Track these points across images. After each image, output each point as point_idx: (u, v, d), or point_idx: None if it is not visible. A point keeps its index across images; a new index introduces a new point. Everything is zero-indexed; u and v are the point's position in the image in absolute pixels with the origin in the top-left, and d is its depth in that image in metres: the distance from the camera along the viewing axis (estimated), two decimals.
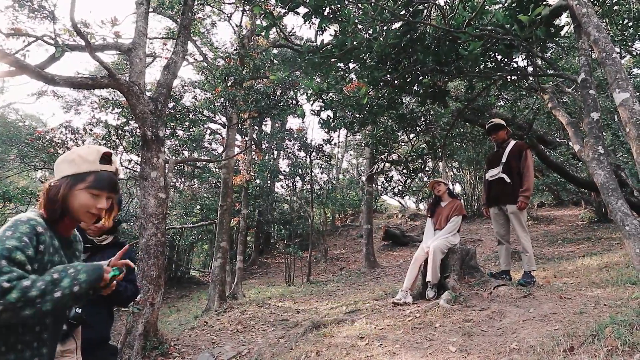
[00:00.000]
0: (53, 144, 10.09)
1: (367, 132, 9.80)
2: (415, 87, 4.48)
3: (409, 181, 6.34)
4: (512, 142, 4.54)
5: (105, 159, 1.41)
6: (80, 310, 1.79)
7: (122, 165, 14.91)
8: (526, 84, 5.10)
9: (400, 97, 5.22)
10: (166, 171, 6.49)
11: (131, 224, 13.70)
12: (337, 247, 16.87)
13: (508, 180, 4.42)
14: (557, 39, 3.41)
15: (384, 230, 14.53)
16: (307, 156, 12.40)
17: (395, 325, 3.92)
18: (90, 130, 10.37)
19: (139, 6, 6.41)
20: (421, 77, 4.20)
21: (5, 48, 7.28)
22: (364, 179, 13.81)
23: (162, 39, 11.69)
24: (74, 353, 1.69)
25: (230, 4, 12.30)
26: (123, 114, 10.15)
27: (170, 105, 9.40)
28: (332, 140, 5.13)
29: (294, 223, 16.09)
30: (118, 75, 6.07)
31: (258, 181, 15.96)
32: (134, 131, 9.47)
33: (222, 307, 8.48)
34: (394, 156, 10.34)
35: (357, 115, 5.53)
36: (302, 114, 4.49)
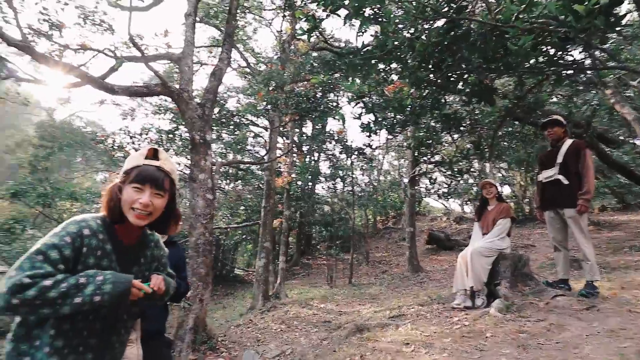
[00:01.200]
0: (113, 147, 10.82)
1: (408, 133, 9.62)
2: (459, 86, 4.33)
3: (453, 183, 6.12)
4: (569, 141, 4.24)
5: (151, 155, 1.41)
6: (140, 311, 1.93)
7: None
8: (584, 79, 4.77)
9: (444, 97, 5.07)
10: (213, 173, 6.75)
11: (180, 223, 14.33)
12: (379, 250, 16.66)
13: (566, 181, 4.12)
14: (618, 29, 3.15)
15: (428, 233, 14.15)
16: (348, 158, 12.36)
17: (442, 333, 3.80)
18: (146, 134, 11.00)
19: (187, 17, 6.72)
20: (466, 75, 4.05)
21: (73, 62, 7.92)
22: (406, 180, 13.56)
23: (208, 47, 12.18)
24: (134, 343, 1.80)
25: (271, 10, 12.58)
26: (173, 119, 10.70)
27: (216, 110, 9.77)
28: (373, 144, 5.08)
29: (335, 225, 16.09)
30: (169, 83, 6.41)
31: (299, 183, 16.15)
32: (183, 135, 9.93)
33: (265, 306, 8.67)
34: (437, 157, 10.06)
35: (399, 117, 5.45)
36: (342, 118, 4.49)
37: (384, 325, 4.68)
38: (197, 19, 8.43)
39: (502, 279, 4.17)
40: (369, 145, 5.07)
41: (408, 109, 4.65)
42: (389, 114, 5.64)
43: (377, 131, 4.82)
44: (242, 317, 8.60)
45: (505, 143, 8.08)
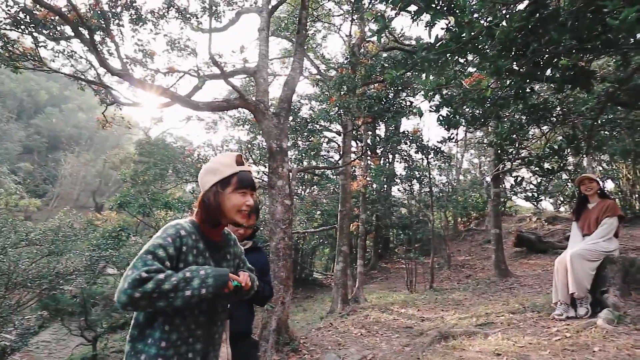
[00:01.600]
0: (199, 160, 11.81)
1: (489, 128, 8.97)
2: (548, 72, 3.91)
3: (544, 182, 5.51)
4: None
5: (239, 161, 1.54)
6: (229, 306, 2.07)
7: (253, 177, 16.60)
8: None
9: (530, 86, 4.62)
10: (290, 179, 6.99)
11: (261, 229, 15.06)
12: (462, 253, 15.75)
13: None
14: None
15: (516, 235, 13.00)
16: (424, 158, 11.93)
17: (539, 345, 3.46)
18: (227, 145, 11.82)
19: (260, 32, 7.09)
20: (556, 60, 3.64)
21: (163, 85, 8.84)
22: (488, 179, 12.65)
23: (280, 59, 12.70)
24: (224, 343, 1.93)
25: (339, 15, 12.72)
26: (251, 130, 11.33)
27: (290, 118, 10.12)
28: (454, 137, 4.76)
29: (413, 227, 15.61)
30: (246, 96, 6.81)
31: (375, 186, 16.00)
32: (261, 144, 10.44)
33: (345, 309, 8.70)
34: (524, 152, 9.22)
35: (479, 111, 5.10)
36: (419, 112, 4.32)
37: (471, 334, 4.40)
38: (270, 32, 8.85)
39: (610, 286, 3.66)
40: (449, 139, 4.78)
41: (488, 101, 4.33)
42: (467, 108, 5.33)
43: (457, 125, 4.55)
44: (322, 320, 8.73)
45: (606, 132, 7.11)
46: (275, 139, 6.57)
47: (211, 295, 1.33)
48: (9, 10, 6.50)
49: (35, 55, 7.23)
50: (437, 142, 6.54)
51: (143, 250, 1.33)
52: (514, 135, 5.91)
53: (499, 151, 8.01)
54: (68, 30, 6.76)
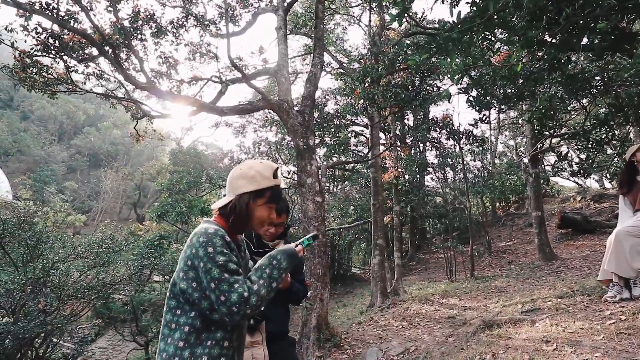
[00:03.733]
0: (234, 163, 12.03)
1: (524, 106, 8.55)
2: (585, 40, 3.65)
3: (591, 156, 5.14)
4: None
5: (276, 174, 1.54)
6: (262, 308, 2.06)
7: (283, 176, 16.81)
8: None
9: (566, 56, 4.34)
10: (320, 176, 6.98)
11: (296, 227, 15.18)
12: (502, 239, 15.19)
13: None
14: None
15: (560, 216, 12.35)
16: (456, 144, 11.56)
17: (592, 329, 3.25)
18: (258, 147, 11.98)
19: (278, 31, 7.10)
20: (593, 24, 3.39)
21: (189, 94, 9.07)
22: (526, 160, 12.09)
23: (301, 56, 12.69)
24: (260, 344, 1.94)
25: (357, 5, 12.53)
26: (279, 130, 11.43)
27: (316, 115, 10.10)
28: (486, 119, 4.54)
29: (449, 216, 15.21)
30: (269, 97, 6.85)
31: (407, 176, 15.71)
32: (290, 144, 10.49)
33: (384, 303, 8.60)
34: (564, 129, 8.72)
35: (511, 88, 4.86)
36: (447, 95, 4.14)
37: (517, 321, 4.21)
38: (288, 30, 8.85)
39: None
40: (481, 120, 4.58)
41: (521, 77, 4.10)
42: (499, 86, 5.08)
43: (489, 105, 4.34)
44: (362, 315, 8.67)
45: None
46: (301, 137, 6.58)
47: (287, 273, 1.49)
48: (38, 37, 6.84)
49: (68, 78, 7.60)
50: (469, 124, 6.29)
51: (214, 273, 1.33)
52: (552, 111, 5.59)
53: (538, 128, 7.62)
54: (95, 51, 7.04)
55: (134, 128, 9.25)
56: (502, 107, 5.08)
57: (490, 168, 16.90)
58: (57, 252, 5.66)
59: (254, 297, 1.32)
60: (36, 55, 7.25)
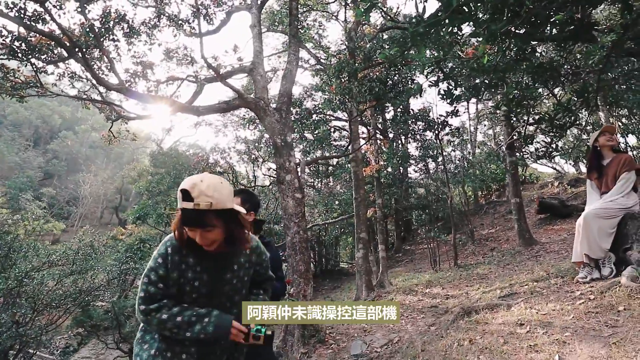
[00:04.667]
0: (209, 165, 11.94)
1: (498, 96, 8.72)
2: (547, 30, 3.75)
3: (554, 140, 5.31)
4: None
5: (185, 195, 1.40)
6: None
7: (264, 174, 16.73)
8: None
9: (531, 46, 4.44)
10: (299, 173, 6.98)
11: (282, 225, 15.18)
12: (485, 227, 15.51)
13: None
14: None
15: (538, 202, 12.70)
16: (436, 135, 11.72)
17: (562, 310, 3.37)
18: (234, 147, 11.90)
19: (252, 29, 7.04)
20: (553, 16, 3.48)
21: (165, 94, 8.93)
22: (504, 148, 12.35)
23: (279, 53, 12.62)
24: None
25: (334, 2, 12.51)
26: (258, 128, 11.37)
27: (294, 111, 10.07)
28: (457, 111, 4.63)
29: (432, 206, 15.44)
30: (245, 95, 6.80)
31: (389, 169, 15.85)
32: (268, 141, 10.45)
33: (370, 296, 8.70)
34: (537, 117, 8.93)
35: (481, 80, 4.95)
36: (418, 89, 4.19)
37: (494, 306, 4.32)
38: (264, 28, 8.79)
39: (633, 243, 3.52)
40: (453, 113, 4.66)
41: (491, 68, 4.18)
42: (471, 78, 5.17)
43: (460, 98, 4.41)
44: None
45: (622, 86, 6.80)
46: (279, 134, 6.56)
47: (210, 339, 1.44)
48: (3, 40, 6.61)
49: (37, 81, 7.39)
50: (440, 115, 6.39)
51: (145, 271, 1.48)
52: (523, 100, 5.72)
53: (510, 116, 7.78)
54: (64, 52, 6.86)
55: (109, 130, 9.07)
56: (473, 98, 5.18)
57: (470, 158, 17.19)
58: (30, 260, 5.52)
59: (155, 322, 1.40)
60: (2, 59, 7.01)
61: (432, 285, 8.55)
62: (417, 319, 6.14)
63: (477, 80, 4.77)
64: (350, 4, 10.68)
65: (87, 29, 6.20)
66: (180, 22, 7.98)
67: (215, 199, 1.41)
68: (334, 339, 5.93)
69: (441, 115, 6.39)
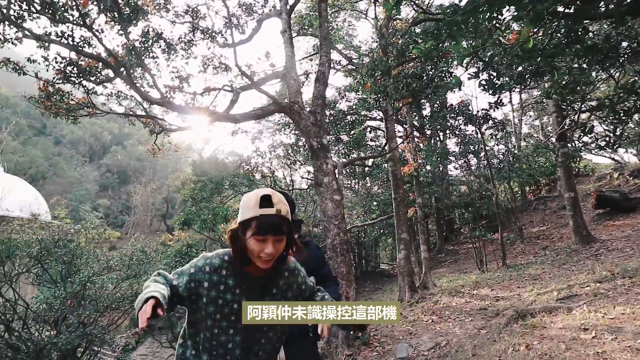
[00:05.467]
0: (250, 169, 12.17)
1: (546, 83, 8.20)
2: (601, 5, 3.44)
3: (619, 128, 4.84)
4: None
5: (264, 202, 1.38)
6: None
7: (302, 177, 16.81)
8: None
9: (583, 26, 4.10)
10: (337, 175, 6.91)
11: (321, 228, 15.18)
12: (534, 224, 14.64)
13: None
14: None
15: (595, 195, 11.77)
16: (477, 129, 11.22)
17: (634, 314, 3.06)
18: (274, 150, 12.03)
19: (283, 34, 7.09)
20: None
21: (203, 104, 9.21)
22: (553, 139, 11.60)
23: (311, 56, 12.66)
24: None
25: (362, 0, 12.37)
26: (294, 132, 11.46)
27: (329, 114, 10.03)
28: (501, 101, 4.31)
29: (476, 204, 14.78)
30: (279, 100, 6.84)
31: (428, 167, 15.40)
32: (305, 145, 10.47)
33: (413, 297, 8.44)
34: (592, 102, 8.29)
35: (526, 67, 4.64)
36: (457, 82, 3.98)
37: (552, 309, 4.02)
38: (294, 33, 8.84)
39: None
40: (496, 104, 4.37)
41: (535, 53, 3.89)
42: (512, 67, 4.86)
43: (503, 87, 4.13)
44: None
45: None
46: (314, 136, 6.53)
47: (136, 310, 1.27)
48: (58, 65, 7.12)
49: (89, 102, 7.88)
50: (483, 109, 6.05)
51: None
52: (574, 84, 5.29)
53: (562, 104, 7.26)
54: (111, 73, 7.25)
55: (154, 143, 9.47)
56: (518, 87, 4.85)
57: (515, 151, 16.32)
58: (92, 266, 5.87)
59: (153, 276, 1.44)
60: (58, 83, 7.54)
61: (479, 287, 8.16)
62: (466, 321, 5.86)
63: (521, 68, 4.47)
64: (379, 0, 10.51)
65: (130, 48, 6.50)
66: (213, 34, 8.20)
67: (287, 211, 1.42)
68: (378, 341, 5.79)
69: (484, 109, 6.04)
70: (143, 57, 7.27)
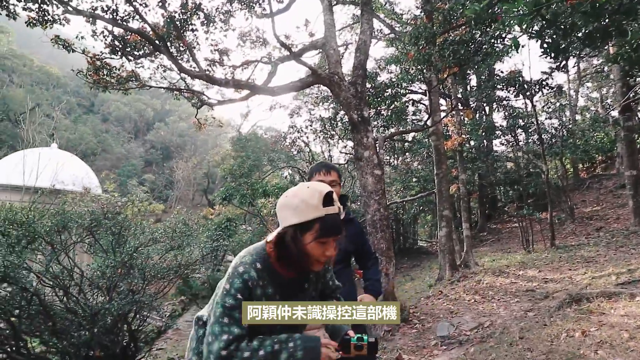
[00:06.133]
0: (287, 144, 12.18)
1: (611, 48, 7.41)
2: None
3: None
4: None
5: (328, 199, 1.26)
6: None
7: (340, 152, 16.64)
8: None
9: None
10: (377, 149, 6.71)
11: (358, 204, 15.07)
12: (587, 204, 13.72)
13: None
14: None
15: None
16: (529, 100, 10.44)
17: None
18: (310, 125, 11.91)
19: (322, 1, 6.80)
20: None
21: (242, 78, 9.18)
22: (615, 112, 10.61)
23: (350, 26, 12.20)
24: (320, 328, 1.85)
25: None
26: (332, 106, 11.25)
27: (369, 86, 9.70)
28: (563, 66, 3.81)
29: (523, 182, 14.04)
30: (319, 71, 6.65)
31: (472, 142, 14.72)
32: (343, 118, 10.26)
33: (454, 276, 8.24)
34: None
35: (595, 27, 4.14)
36: (515, 44, 3.60)
37: (611, 294, 3.73)
38: (334, 0, 8.49)
39: None
40: (557, 68, 3.91)
41: (607, 10, 3.44)
42: (579, 27, 4.36)
43: (568, 50, 3.70)
44: (431, 288, 8.40)
45: None
46: (355, 109, 6.32)
47: None
48: (105, 40, 7.31)
49: (136, 76, 8.08)
50: (543, 72, 5.52)
51: (218, 310, 1.24)
52: None
53: (629, 71, 6.55)
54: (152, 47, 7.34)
55: (195, 117, 9.65)
56: (584, 51, 4.36)
57: (570, 125, 15.19)
58: (138, 238, 6.13)
59: (234, 357, 1.17)
60: (105, 57, 7.77)
61: (525, 267, 7.79)
62: (511, 302, 5.63)
63: (591, 28, 3.98)
64: None
65: (168, 20, 6.51)
66: (251, 3, 8.03)
67: (341, 209, 1.32)
68: (418, 318, 5.70)
69: (543, 73, 5.49)
70: (182, 30, 7.27)
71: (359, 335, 1.30)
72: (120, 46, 7.65)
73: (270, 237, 1.32)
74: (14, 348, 3.87)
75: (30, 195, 14.88)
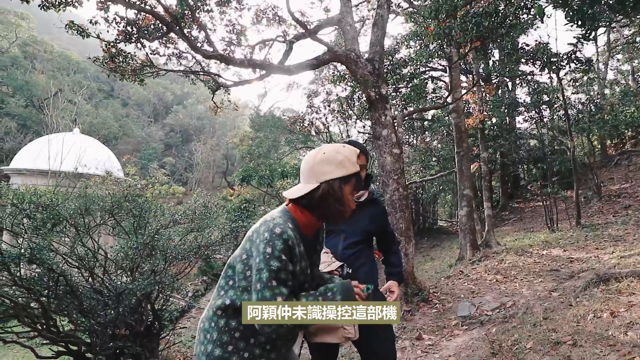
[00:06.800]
0: (305, 124, 12.10)
1: None
2: None
3: None
4: None
5: (358, 155, 1.45)
6: (350, 270, 2.08)
7: (359, 132, 16.43)
8: None
9: None
10: (396, 127, 6.57)
11: (377, 184, 14.96)
12: (615, 182, 13.22)
13: None
14: None
15: None
16: (555, 74, 9.98)
17: None
18: (328, 105, 11.75)
19: None
20: None
21: (258, 58, 9.07)
22: None
23: (368, 0, 11.80)
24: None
25: None
26: (349, 84, 11.05)
27: (387, 63, 9.45)
28: (591, 35, 3.55)
29: (547, 160, 13.61)
30: (335, 48, 6.48)
31: (494, 119, 14.29)
32: (360, 97, 10.07)
33: (475, 255, 8.14)
34: None
35: None
36: (540, 11, 3.40)
37: None
38: None
39: None
40: (585, 37, 3.66)
41: None
42: None
43: (595, 17, 3.47)
44: (451, 268, 8.34)
45: None
46: (372, 86, 6.18)
47: None
48: (118, 26, 7.26)
49: (151, 62, 8.06)
50: (569, 44, 5.23)
51: (263, 272, 1.25)
52: None
53: None
54: (166, 29, 7.26)
55: (212, 100, 9.63)
56: (614, 19, 4.07)
57: (598, 100, 14.51)
58: (159, 220, 6.22)
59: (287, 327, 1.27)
60: (119, 43, 7.75)
61: (549, 247, 7.62)
62: (534, 282, 5.52)
63: None
64: None
65: (182, 1, 6.43)
66: None
67: None
68: (438, 298, 5.68)
69: (570, 44, 5.19)
70: (196, 10, 7.18)
71: (369, 285, 1.46)
72: (134, 31, 7.60)
73: (299, 193, 1.37)
74: (44, 326, 4.04)
75: (55, 179, 15.34)
